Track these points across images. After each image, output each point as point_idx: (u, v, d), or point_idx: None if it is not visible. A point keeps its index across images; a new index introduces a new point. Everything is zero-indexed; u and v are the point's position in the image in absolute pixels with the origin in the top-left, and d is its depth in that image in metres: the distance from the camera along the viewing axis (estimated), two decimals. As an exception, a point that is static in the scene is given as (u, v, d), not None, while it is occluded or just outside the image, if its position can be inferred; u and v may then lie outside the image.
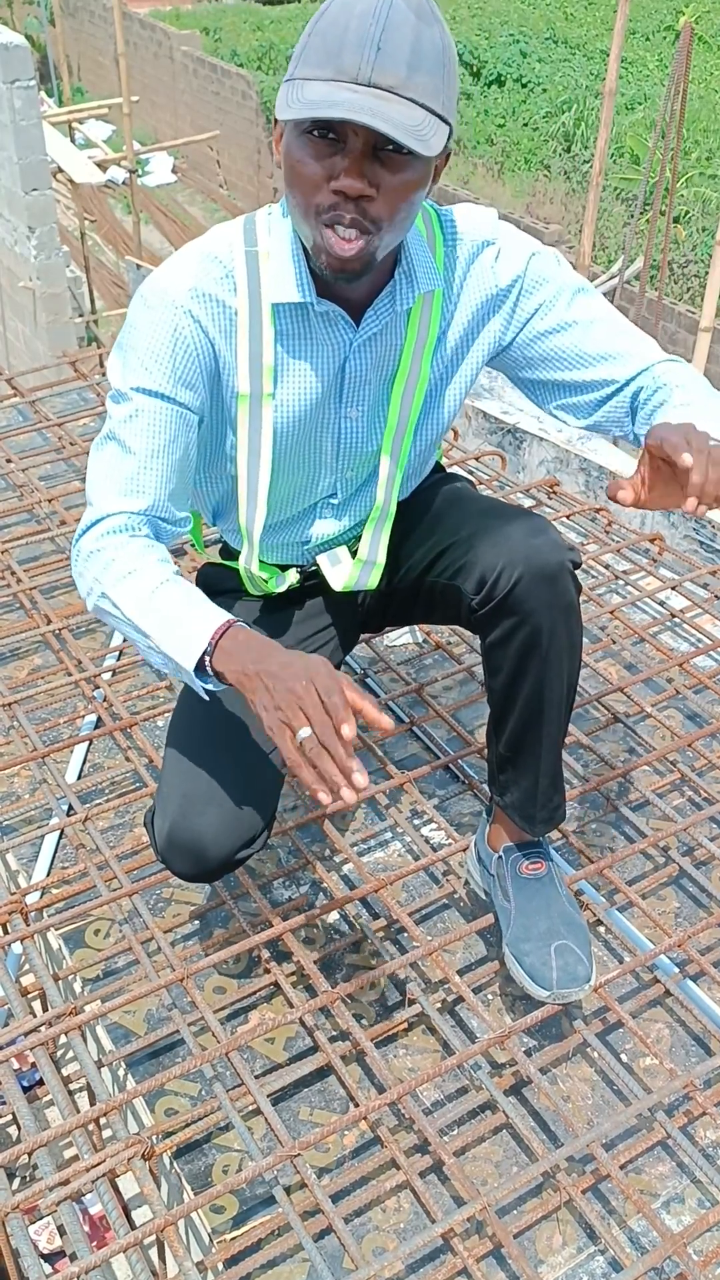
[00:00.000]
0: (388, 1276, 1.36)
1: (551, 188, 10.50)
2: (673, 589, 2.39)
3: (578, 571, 1.47)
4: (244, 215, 1.42)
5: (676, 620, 2.39)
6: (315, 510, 1.56)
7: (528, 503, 2.69)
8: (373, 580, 1.60)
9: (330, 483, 1.54)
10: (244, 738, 1.50)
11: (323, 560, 1.60)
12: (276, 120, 1.26)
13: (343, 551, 1.60)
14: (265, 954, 1.66)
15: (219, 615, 1.28)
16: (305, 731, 1.15)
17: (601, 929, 1.75)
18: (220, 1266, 1.36)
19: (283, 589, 1.61)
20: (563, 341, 1.47)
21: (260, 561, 1.58)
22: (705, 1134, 1.51)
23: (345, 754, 1.14)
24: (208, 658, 1.26)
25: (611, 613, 2.36)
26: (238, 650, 1.25)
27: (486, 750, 1.63)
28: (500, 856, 1.62)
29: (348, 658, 2.27)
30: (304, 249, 1.33)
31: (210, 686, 1.30)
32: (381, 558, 1.58)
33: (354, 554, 1.60)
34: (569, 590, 1.43)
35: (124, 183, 10.15)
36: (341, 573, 1.59)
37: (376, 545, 1.57)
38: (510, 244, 1.45)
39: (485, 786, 1.73)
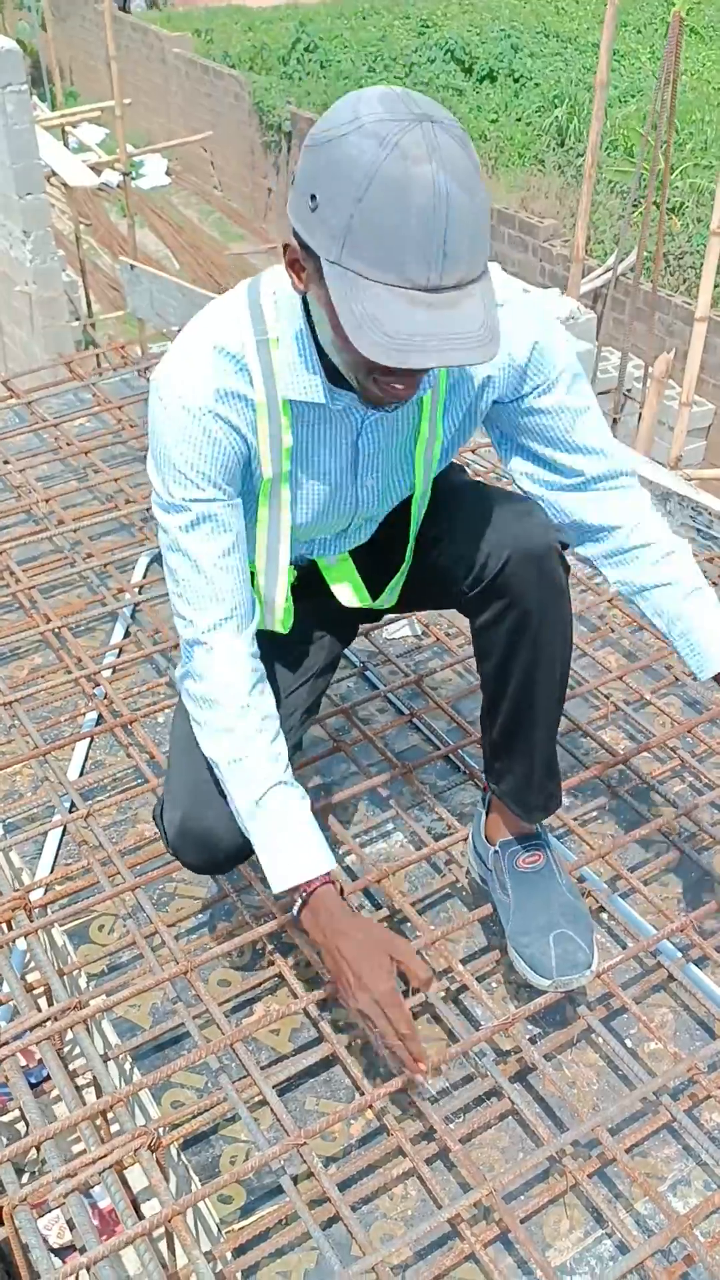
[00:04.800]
0: (396, 1263, 1.36)
1: (546, 182, 10.49)
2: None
3: (566, 554, 1.49)
4: (246, 288, 1.37)
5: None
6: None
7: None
8: (382, 601, 1.64)
9: (347, 531, 1.58)
10: None
11: (336, 589, 1.63)
12: (304, 245, 1.18)
13: (350, 569, 1.62)
14: (269, 946, 1.67)
15: (315, 864, 1.42)
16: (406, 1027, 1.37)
17: (604, 915, 1.75)
18: (229, 1256, 1.37)
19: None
20: (551, 422, 1.47)
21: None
22: (711, 1117, 1.51)
23: (410, 1051, 1.38)
24: (296, 904, 1.44)
25: (610, 601, 2.36)
26: (322, 916, 1.42)
27: (481, 738, 1.63)
28: (497, 851, 1.62)
29: (347, 650, 2.27)
30: (313, 335, 1.32)
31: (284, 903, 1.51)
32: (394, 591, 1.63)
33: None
34: (557, 570, 1.45)
35: (118, 186, 10.14)
36: (347, 593, 1.62)
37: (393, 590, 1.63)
38: (524, 315, 1.40)
39: (484, 775, 1.73)
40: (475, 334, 1.13)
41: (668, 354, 5.84)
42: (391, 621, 2.31)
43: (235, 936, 1.66)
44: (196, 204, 12.55)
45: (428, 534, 1.54)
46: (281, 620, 1.56)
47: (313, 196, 1.13)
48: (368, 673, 2.20)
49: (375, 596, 1.63)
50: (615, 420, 6.81)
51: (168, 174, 13.02)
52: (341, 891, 1.46)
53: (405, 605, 1.70)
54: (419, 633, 2.32)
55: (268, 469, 1.41)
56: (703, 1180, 1.44)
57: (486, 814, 1.66)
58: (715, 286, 7.67)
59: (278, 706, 1.52)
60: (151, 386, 1.37)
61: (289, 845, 1.42)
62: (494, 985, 1.67)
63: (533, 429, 1.49)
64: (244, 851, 1.49)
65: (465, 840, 1.78)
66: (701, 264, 6.17)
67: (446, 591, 1.51)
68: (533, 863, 1.59)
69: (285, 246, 1.22)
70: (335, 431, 1.42)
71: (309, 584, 1.61)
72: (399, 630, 2.32)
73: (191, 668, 1.44)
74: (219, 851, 1.49)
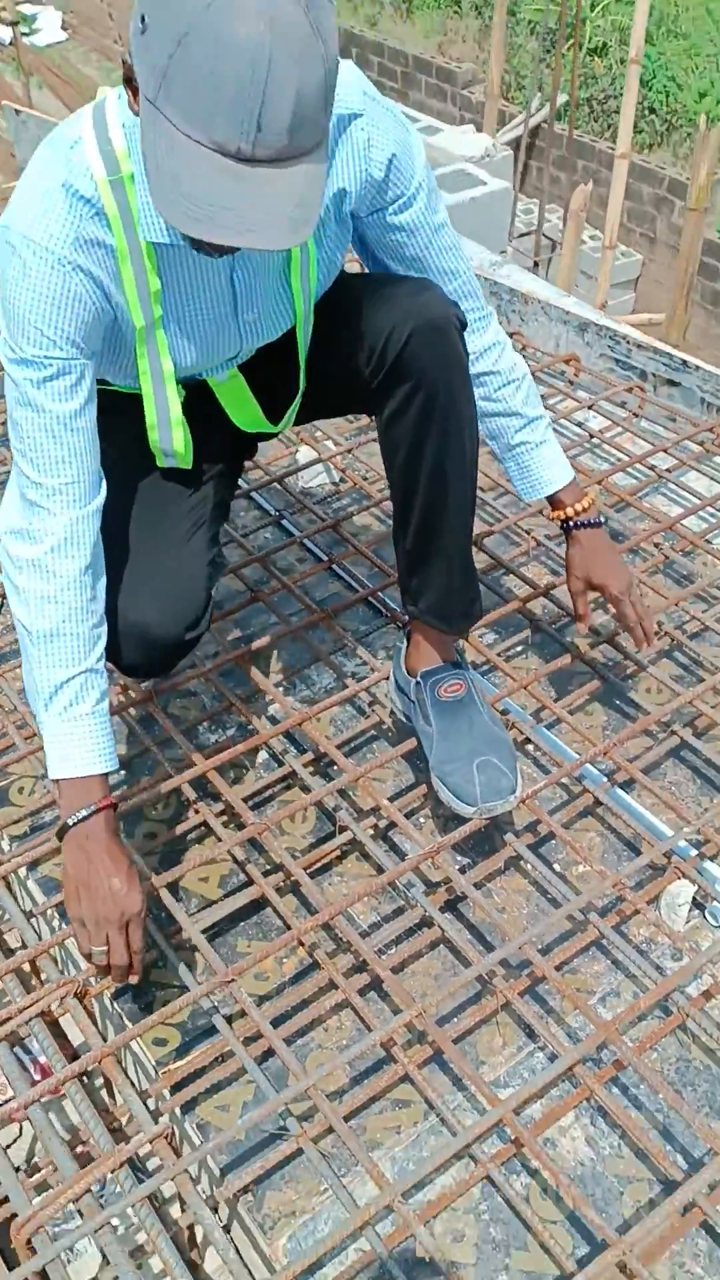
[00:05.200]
0: (333, 1089, 1.37)
1: (463, 25, 10.04)
2: (590, 409, 2.34)
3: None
4: (92, 117, 1.24)
5: (596, 441, 2.34)
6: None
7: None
8: (282, 425, 1.58)
9: (235, 359, 1.50)
10: (170, 525, 1.49)
11: (233, 414, 1.56)
12: (133, 80, 1.09)
13: (242, 387, 1.54)
14: (193, 795, 1.64)
15: (102, 762, 1.34)
16: (97, 949, 1.33)
17: (530, 746, 1.74)
18: (166, 1094, 1.37)
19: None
20: (408, 240, 1.43)
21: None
22: (639, 932, 1.53)
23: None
24: (76, 816, 1.34)
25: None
26: (90, 845, 1.33)
27: (396, 559, 1.60)
28: (419, 682, 1.59)
29: (264, 500, 2.20)
30: None
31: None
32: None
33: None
34: (459, 345, 1.42)
35: (10, 43, 9.53)
36: (246, 420, 1.55)
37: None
38: (379, 126, 1.32)
39: (402, 602, 1.70)
40: (285, 217, 1.05)
41: (585, 186, 5.65)
42: (307, 466, 2.24)
43: (157, 788, 1.63)
44: (96, 61, 11.86)
45: (323, 344, 1.47)
46: (182, 455, 1.49)
47: (143, 19, 1.03)
48: (284, 521, 2.14)
49: (275, 421, 1.57)
50: (536, 264, 6.65)
51: (64, 28, 12.25)
52: (114, 807, 1.39)
53: (308, 417, 1.65)
54: (336, 479, 2.26)
55: (139, 317, 1.32)
56: (631, 991, 1.46)
57: (407, 646, 1.63)
58: (636, 131, 7.44)
59: (178, 549, 1.47)
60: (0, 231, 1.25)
61: (82, 736, 1.34)
62: (422, 820, 1.67)
63: (391, 247, 1.44)
64: (182, 644, 1.48)
65: (388, 679, 1.75)
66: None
67: (349, 391, 1.47)
68: (454, 691, 1.57)
69: (124, 62, 1.11)
70: (206, 271, 1.34)
71: (199, 409, 1.53)
72: (315, 478, 2.25)
73: (26, 528, 1.34)
74: (155, 644, 1.46)
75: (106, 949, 1.32)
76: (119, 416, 1.44)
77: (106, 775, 1.36)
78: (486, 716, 1.57)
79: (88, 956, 1.33)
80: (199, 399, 1.51)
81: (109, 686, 1.38)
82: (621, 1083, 1.37)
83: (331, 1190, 1.24)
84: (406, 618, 1.63)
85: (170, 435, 1.45)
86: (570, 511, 1.64)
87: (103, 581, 1.39)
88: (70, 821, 1.33)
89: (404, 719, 1.68)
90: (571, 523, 1.65)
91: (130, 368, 1.40)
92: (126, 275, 1.28)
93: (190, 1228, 1.28)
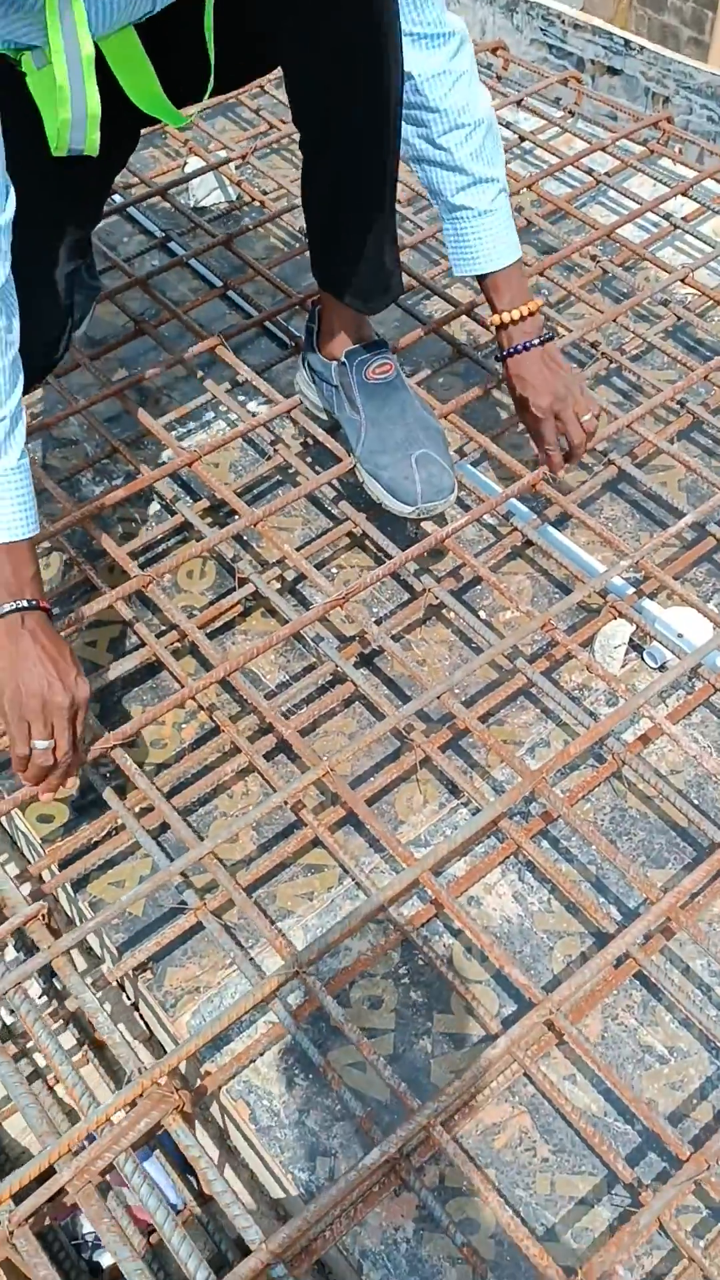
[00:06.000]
0: (238, 857, 1.26)
1: None
2: (519, 105, 2.05)
3: None
4: None
5: (527, 145, 2.06)
6: None
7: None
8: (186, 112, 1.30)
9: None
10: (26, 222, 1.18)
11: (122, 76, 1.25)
12: None
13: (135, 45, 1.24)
14: (75, 555, 1.46)
15: (25, 526, 1.11)
16: (42, 744, 1.11)
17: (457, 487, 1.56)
18: (54, 869, 1.24)
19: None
20: None
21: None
22: (571, 677, 1.39)
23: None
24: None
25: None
26: (25, 630, 1.11)
27: (307, 231, 1.40)
28: (342, 363, 1.42)
29: (145, 219, 1.93)
30: None
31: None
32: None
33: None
34: None
35: None
36: (139, 83, 1.25)
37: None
38: None
39: (310, 343, 1.48)
40: None
41: None
42: (197, 175, 1.95)
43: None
44: None
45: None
46: (90, 139, 1.21)
47: None
48: (172, 244, 1.87)
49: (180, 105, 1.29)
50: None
51: None
52: (49, 614, 1.17)
53: (219, 91, 1.37)
54: (233, 197, 1.97)
55: None
56: (562, 740, 1.34)
57: (319, 329, 1.46)
58: None
59: (49, 248, 1.26)
60: None
61: (5, 494, 1.11)
62: (334, 571, 1.50)
63: None
64: (33, 366, 1.22)
65: (290, 411, 1.54)
66: None
67: (255, 52, 1.24)
68: (383, 373, 1.40)
69: None
70: None
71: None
72: (208, 194, 1.96)
73: None
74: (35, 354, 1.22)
75: (50, 745, 1.12)
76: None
77: (34, 543, 1.15)
78: (418, 402, 1.42)
79: (24, 760, 1.13)
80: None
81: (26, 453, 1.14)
82: (552, 836, 1.26)
83: (236, 963, 1.13)
84: (318, 286, 1.43)
85: (83, 105, 1.16)
86: (505, 318, 1.39)
87: (16, 311, 1.11)
88: (7, 609, 1.11)
89: (321, 411, 1.52)
90: (509, 342, 1.40)
91: (44, 47, 1.08)
92: None
93: (77, 1012, 1.17)
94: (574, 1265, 0.99)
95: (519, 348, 1.40)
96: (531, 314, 1.39)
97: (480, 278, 1.39)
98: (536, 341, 1.40)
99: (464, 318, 1.72)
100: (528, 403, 1.40)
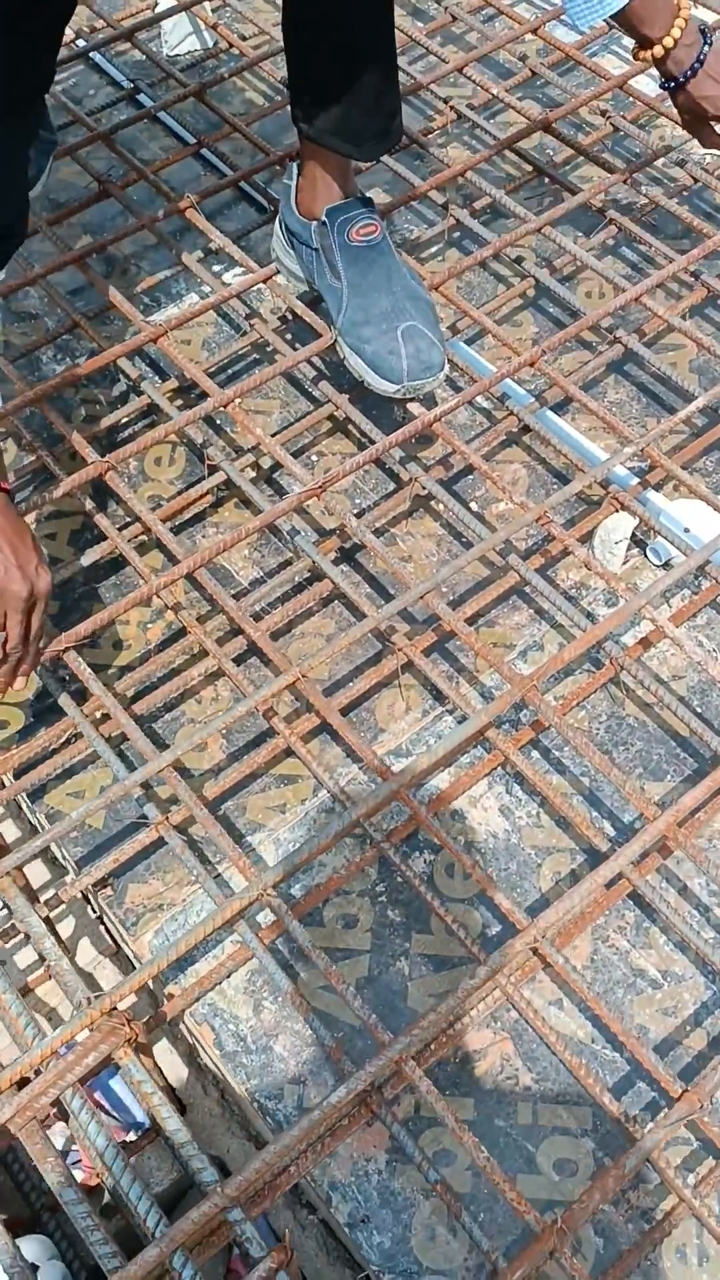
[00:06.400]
0: (206, 767, 1.17)
1: None
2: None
3: None
4: None
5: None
6: None
7: None
8: None
9: None
10: None
11: None
12: None
13: None
14: (29, 436, 1.34)
15: None
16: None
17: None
18: (9, 778, 1.16)
19: None
20: None
21: None
22: (568, 575, 1.29)
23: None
24: None
25: (452, -17, 1.83)
26: None
27: (288, 61, 1.23)
28: (322, 223, 1.28)
29: (115, 70, 1.76)
30: None
31: None
32: None
33: None
34: None
35: None
36: None
37: None
38: None
39: (288, 202, 1.34)
40: None
41: None
42: (169, 15, 1.77)
43: (-17, 427, 1.32)
44: None
45: None
46: None
47: None
48: (141, 95, 1.70)
49: None
50: None
51: None
52: (11, 496, 1.05)
53: None
54: (209, 43, 1.80)
55: None
56: (557, 643, 1.24)
57: (298, 181, 1.32)
58: None
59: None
60: None
61: None
62: (313, 459, 1.39)
63: None
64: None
65: (267, 281, 1.41)
66: None
67: None
68: (368, 234, 1.27)
69: None
70: None
71: None
72: (182, 41, 1.79)
73: None
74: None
75: (1, 638, 1.03)
76: None
77: None
78: (406, 269, 1.29)
79: None
80: None
81: None
82: (543, 746, 1.17)
83: (200, 882, 1.05)
84: (298, 144, 1.29)
85: None
86: (668, 43, 1.20)
87: None
88: None
89: (300, 282, 1.39)
90: (676, 69, 1.22)
91: None
92: None
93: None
94: (555, 1199, 0.94)
95: (689, 72, 1.22)
96: (685, 29, 1.21)
97: (616, 16, 1.19)
98: (707, 50, 1.21)
99: (460, 179, 1.57)
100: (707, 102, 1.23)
